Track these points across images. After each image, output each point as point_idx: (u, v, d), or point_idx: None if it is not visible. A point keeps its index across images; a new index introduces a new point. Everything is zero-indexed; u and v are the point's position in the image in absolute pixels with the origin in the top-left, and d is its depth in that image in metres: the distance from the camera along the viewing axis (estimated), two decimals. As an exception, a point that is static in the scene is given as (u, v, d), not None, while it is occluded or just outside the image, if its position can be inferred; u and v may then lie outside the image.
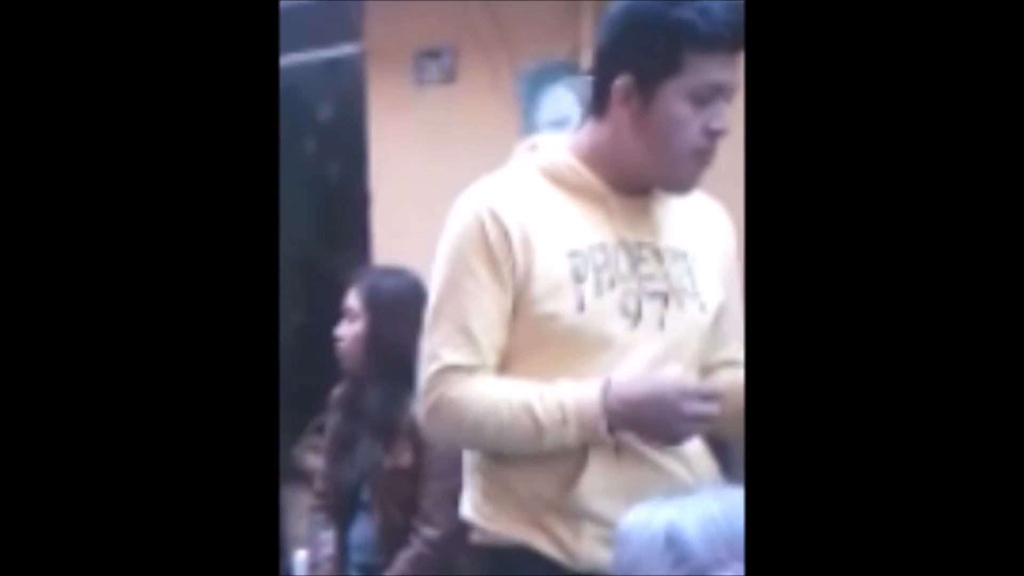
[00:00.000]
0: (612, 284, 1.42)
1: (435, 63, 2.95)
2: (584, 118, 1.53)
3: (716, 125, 1.40)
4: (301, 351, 3.53)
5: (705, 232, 1.52)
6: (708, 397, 1.38)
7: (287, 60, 2.72)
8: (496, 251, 1.40)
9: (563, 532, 1.40)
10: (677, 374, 1.43)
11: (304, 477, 2.78)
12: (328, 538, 2.27)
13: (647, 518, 1.09)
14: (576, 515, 1.41)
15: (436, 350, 1.42)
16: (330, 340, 2.27)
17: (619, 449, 1.41)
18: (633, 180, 1.46)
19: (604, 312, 1.41)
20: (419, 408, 1.46)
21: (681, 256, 1.47)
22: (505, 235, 1.41)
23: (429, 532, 2.09)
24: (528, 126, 2.67)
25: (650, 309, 1.43)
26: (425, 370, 1.43)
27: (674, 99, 1.40)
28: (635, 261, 1.44)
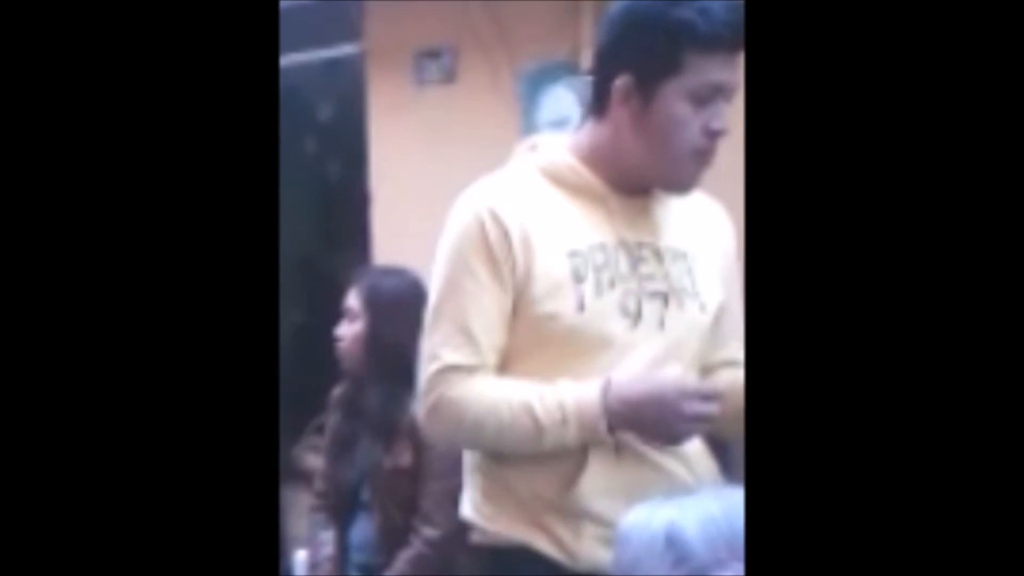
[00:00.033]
0: (612, 284, 1.42)
1: (435, 63, 2.95)
2: (584, 118, 1.53)
3: (716, 125, 1.40)
4: (301, 351, 3.53)
5: (705, 232, 1.52)
6: (708, 397, 1.38)
7: (287, 60, 2.72)
8: (496, 251, 1.40)
9: (563, 532, 1.40)
10: (677, 374, 1.43)
11: (304, 477, 2.77)
12: (328, 538, 2.27)
13: (647, 518, 1.09)
14: (576, 515, 1.41)
15: (436, 350, 1.42)
16: (330, 340, 2.27)
17: (619, 449, 1.41)
18: (633, 180, 1.46)
19: (604, 312, 1.41)
20: (419, 408, 1.46)
21: (681, 256, 1.47)
22: (505, 235, 1.40)
23: (429, 532, 2.09)
24: (528, 126, 2.67)
25: (650, 309, 1.43)
26: (425, 370, 1.43)
27: (674, 99, 1.40)
28: (635, 261, 1.44)
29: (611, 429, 1.38)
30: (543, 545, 1.41)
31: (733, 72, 1.41)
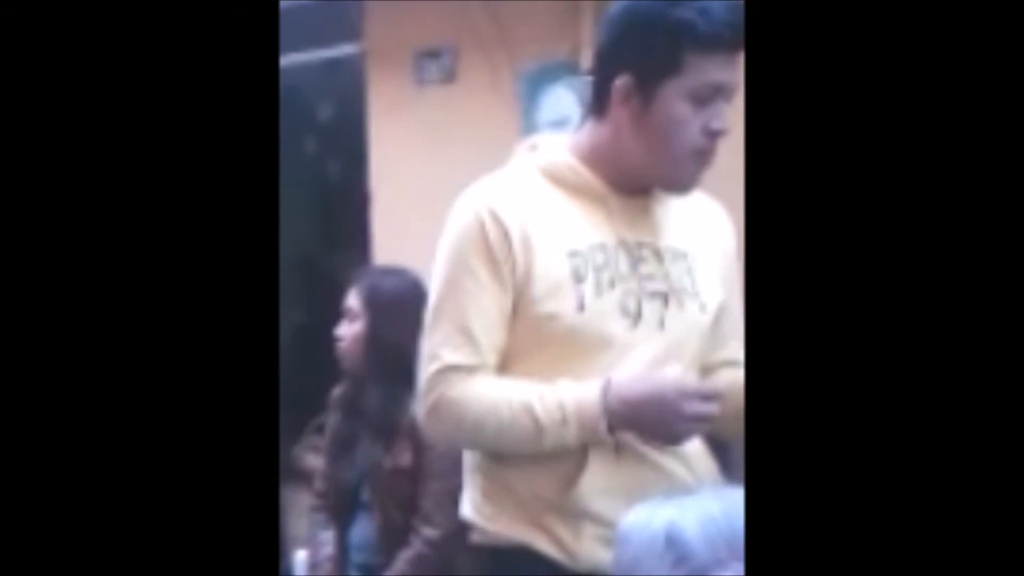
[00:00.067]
0: (612, 284, 1.42)
1: (435, 63, 2.95)
2: (584, 118, 1.53)
3: (716, 125, 1.40)
4: (301, 351, 3.53)
5: (705, 232, 1.51)
6: (708, 397, 1.38)
7: (287, 60, 2.72)
8: (496, 251, 1.40)
9: (563, 532, 1.40)
10: (677, 374, 1.43)
11: (304, 477, 2.77)
12: (328, 538, 2.27)
13: (647, 518, 1.09)
14: (576, 515, 1.40)
15: (436, 350, 1.42)
16: (330, 340, 2.27)
17: (619, 449, 1.41)
18: (633, 180, 1.46)
19: (604, 312, 1.41)
20: (419, 408, 1.46)
21: (681, 256, 1.47)
22: (505, 235, 1.40)
23: (429, 532, 2.09)
24: (528, 126, 2.67)
25: (650, 309, 1.43)
26: (425, 370, 1.43)
27: (674, 99, 1.39)
28: (635, 261, 1.44)
29: (611, 429, 1.38)
30: (543, 545, 1.41)
31: (733, 72, 1.40)
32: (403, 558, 2.10)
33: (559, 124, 2.50)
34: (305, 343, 3.56)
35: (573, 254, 1.42)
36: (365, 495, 2.21)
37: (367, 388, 2.21)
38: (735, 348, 1.49)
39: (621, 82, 1.41)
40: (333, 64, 3.54)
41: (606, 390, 1.38)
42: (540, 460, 1.41)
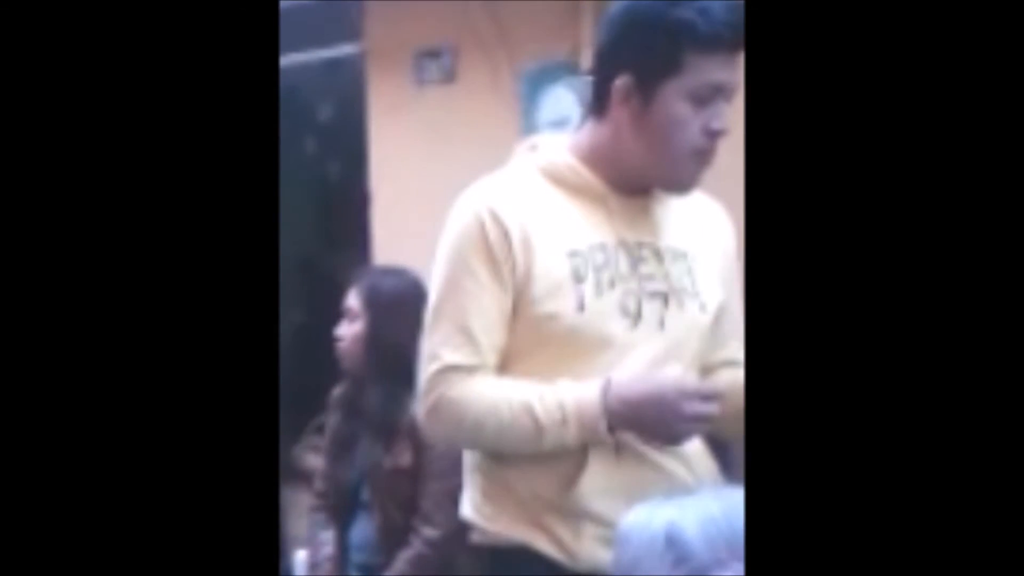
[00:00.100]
0: (612, 284, 1.42)
1: (435, 63, 2.94)
2: (584, 118, 1.53)
3: (716, 125, 1.40)
4: (301, 351, 3.53)
5: (705, 232, 1.52)
6: (708, 397, 1.38)
7: (287, 60, 2.72)
8: (496, 251, 1.40)
9: (563, 532, 1.40)
10: (677, 374, 1.43)
11: (304, 477, 2.77)
12: (328, 538, 2.27)
13: (647, 518, 1.09)
14: (576, 515, 1.40)
15: (436, 350, 1.42)
16: (330, 340, 2.27)
17: (619, 449, 1.41)
18: (633, 180, 1.46)
19: (604, 312, 1.41)
20: (419, 408, 1.46)
21: (681, 256, 1.47)
22: (505, 235, 1.40)
23: (429, 532, 2.09)
24: (528, 126, 2.67)
25: (650, 309, 1.43)
26: (425, 370, 1.43)
27: (674, 99, 1.39)
28: (635, 261, 1.44)
29: (611, 429, 1.38)
30: (543, 545, 1.41)
31: (733, 72, 1.40)
32: (403, 558, 2.10)
33: (559, 124, 2.49)
34: (305, 343, 3.56)
35: (573, 254, 1.42)
36: (365, 495, 2.21)
37: (367, 388, 2.21)
38: (735, 348, 1.49)
39: (621, 82, 1.41)
40: (333, 64, 3.54)
41: (606, 390, 1.38)
42: (540, 460, 1.41)
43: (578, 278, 1.41)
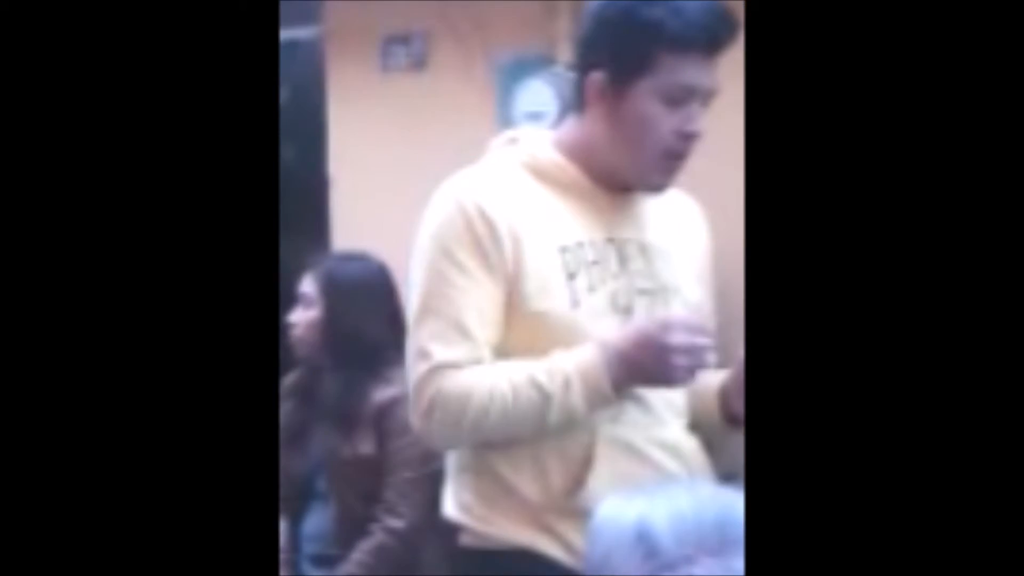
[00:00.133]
0: (604, 280, 1.41)
1: (404, 49, 2.90)
2: (564, 113, 1.53)
3: (690, 128, 1.41)
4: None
5: (683, 229, 1.52)
6: (693, 329, 1.35)
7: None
8: (485, 245, 1.38)
9: (571, 534, 1.37)
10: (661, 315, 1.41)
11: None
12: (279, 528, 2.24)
13: (618, 512, 1.08)
14: (584, 516, 1.39)
15: (425, 347, 1.38)
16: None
17: (625, 448, 1.39)
18: (614, 176, 1.46)
19: (596, 309, 1.40)
20: (412, 412, 1.41)
21: (665, 253, 1.47)
22: (493, 230, 1.38)
23: (393, 522, 2.06)
24: (504, 118, 2.64)
25: (640, 305, 1.43)
26: (414, 369, 1.39)
27: (646, 98, 1.39)
28: (624, 257, 1.43)
29: (615, 388, 1.36)
30: (549, 548, 1.38)
31: (708, 75, 1.41)
32: (364, 548, 2.07)
33: (535, 117, 2.47)
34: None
35: (563, 250, 1.40)
36: (321, 485, 2.18)
37: (323, 376, 2.18)
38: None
39: (595, 78, 1.41)
40: (290, 46, 3.48)
41: (604, 347, 1.36)
42: (543, 460, 1.39)
43: (569, 275, 1.39)
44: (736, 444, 1.28)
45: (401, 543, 2.06)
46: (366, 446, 2.09)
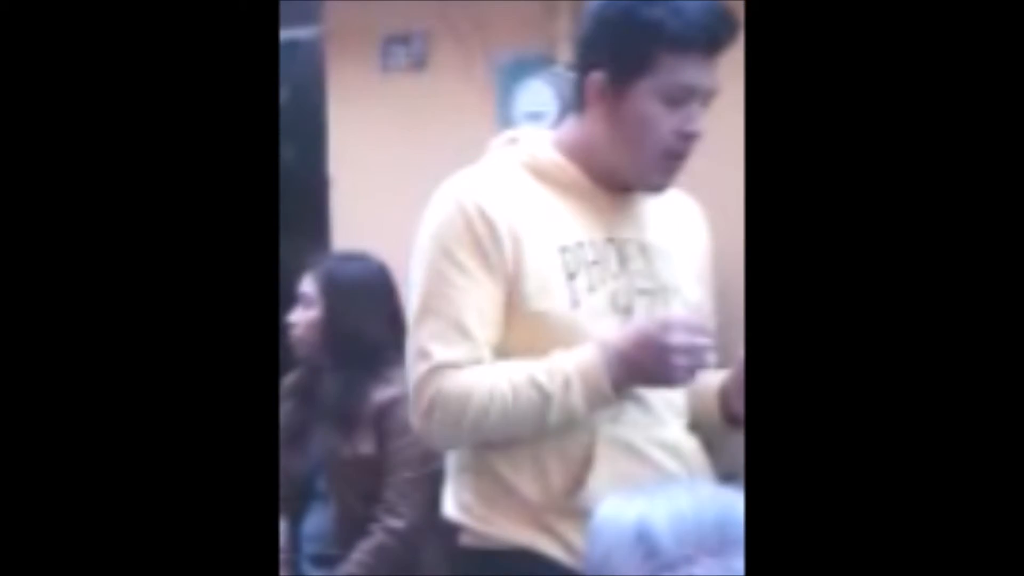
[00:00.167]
0: (604, 280, 1.41)
1: (404, 49, 2.90)
2: (564, 113, 1.53)
3: (690, 128, 1.41)
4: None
5: (683, 230, 1.53)
6: (693, 329, 1.36)
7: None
8: (485, 245, 1.38)
9: (571, 534, 1.37)
10: (661, 315, 1.41)
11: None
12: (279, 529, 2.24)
13: (618, 511, 1.08)
14: (584, 516, 1.39)
15: (425, 347, 1.38)
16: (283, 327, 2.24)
17: (625, 448, 1.39)
18: (614, 176, 1.46)
19: (597, 309, 1.40)
20: (412, 412, 1.41)
21: (665, 253, 1.47)
22: (493, 230, 1.38)
23: (393, 522, 2.07)
24: (504, 118, 2.64)
25: (640, 305, 1.43)
26: (414, 369, 1.39)
27: (645, 98, 1.40)
28: (624, 258, 1.43)
29: (615, 387, 1.36)
30: (549, 548, 1.38)
31: (708, 75, 1.41)
32: (364, 548, 2.07)
33: (535, 118, 2.47)
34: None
35: (563, 250, 1.40)
36: (321, 485, 2.18)
37: (323, 376, 2.18)
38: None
39: (595, 78, 1.42)
40: (289, 46, 3.49)
41: (604, 347, 1.36)
42: (543, 460, 1.39)
43: (570, 275, 1.39)
44: (736, 444, 1.28)
45: (401, 543, 2.06)
46: (366, 446, 2.09)
